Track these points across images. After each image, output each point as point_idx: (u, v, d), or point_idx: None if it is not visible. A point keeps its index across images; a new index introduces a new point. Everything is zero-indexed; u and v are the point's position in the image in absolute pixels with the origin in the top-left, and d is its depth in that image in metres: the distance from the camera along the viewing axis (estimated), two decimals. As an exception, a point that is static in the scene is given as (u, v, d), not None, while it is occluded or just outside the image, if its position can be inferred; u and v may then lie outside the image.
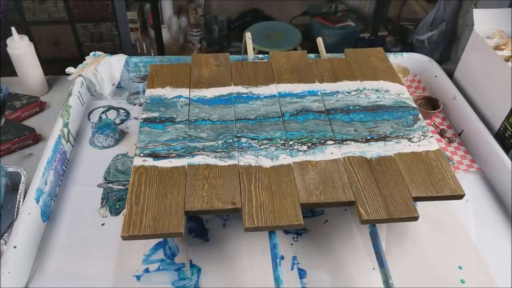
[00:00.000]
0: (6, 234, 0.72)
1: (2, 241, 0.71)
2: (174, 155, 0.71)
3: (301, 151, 0.73)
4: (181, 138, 0.75)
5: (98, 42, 1.55)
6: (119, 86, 1.04)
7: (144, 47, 2.19)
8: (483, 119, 0.93)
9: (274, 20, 2.33)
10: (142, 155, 0.71)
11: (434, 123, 0.98)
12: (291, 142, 0.74)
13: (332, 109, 0.82)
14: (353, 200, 0.65)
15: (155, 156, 0.71)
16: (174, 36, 2.34)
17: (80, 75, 0.98)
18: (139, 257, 0.70)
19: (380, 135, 0.76)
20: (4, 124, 0.92)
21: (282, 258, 0.70)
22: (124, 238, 0.60)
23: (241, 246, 0.72)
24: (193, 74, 0.89)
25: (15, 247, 0.64)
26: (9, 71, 1.06)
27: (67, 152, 0.86)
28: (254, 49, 1.36)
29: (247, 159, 0.71)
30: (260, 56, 1.02)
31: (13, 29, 0.98)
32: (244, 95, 0.85)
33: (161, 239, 0.72)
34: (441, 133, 0.95)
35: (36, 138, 0.92)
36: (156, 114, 0.80)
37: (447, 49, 1.88)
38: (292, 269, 0.69)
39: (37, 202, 0.72)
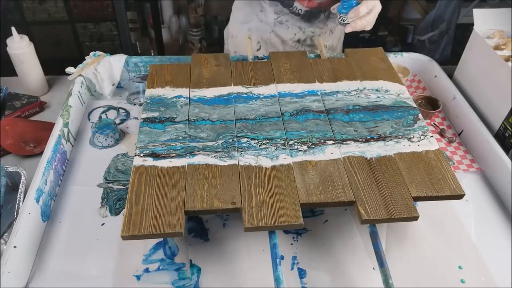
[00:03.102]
0: (6, 234, 0.72)
1: (2, 241, 0.71)
2: (174, 155, 0.71)
3: (301, 151, 0.73)
4: (181, 138, 0.75)
5: (98, 42, 1.55)
6: (119, 86, 1.04)
7: (144, 47, 2.19)
8: (483, 119, 0.93)
9: (274, 20, 2.32)
10: (142, 155, 0.71)
11: (434, 123, 0.98)
12: (291, 142, 0.74)
13: (332, 109, 0.82)
14: (353, 200, 0.65)
15: (155, 156, 0.71)
16: (174, 36, 2.33)
17: (80, 75, 0.98)
18: (139, 257, 0.70)
19: (380, 135, 0.76)
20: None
21: (282, 258, 0.70)
22: (124, 238, 0.60)
23: (241, 246, 0.72)
24: (193, 74, 0.89)
25: (15, 247, 0.64)
26: (9, 71, 1.06)
27: (67, 152, 0.86)
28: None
29: (247, 159, 0.71)
30: (260, 56, 1.02)
31: (13, 29, 0.98)
32: (244, 95, 0.85)
33: (161, 239, 0.72)
34: (441, 133, 0.95)
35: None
36: (156, 114, 0.80)
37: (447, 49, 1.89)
38: (292, 269, 0.69)
39: (37, 202, 0.72)
